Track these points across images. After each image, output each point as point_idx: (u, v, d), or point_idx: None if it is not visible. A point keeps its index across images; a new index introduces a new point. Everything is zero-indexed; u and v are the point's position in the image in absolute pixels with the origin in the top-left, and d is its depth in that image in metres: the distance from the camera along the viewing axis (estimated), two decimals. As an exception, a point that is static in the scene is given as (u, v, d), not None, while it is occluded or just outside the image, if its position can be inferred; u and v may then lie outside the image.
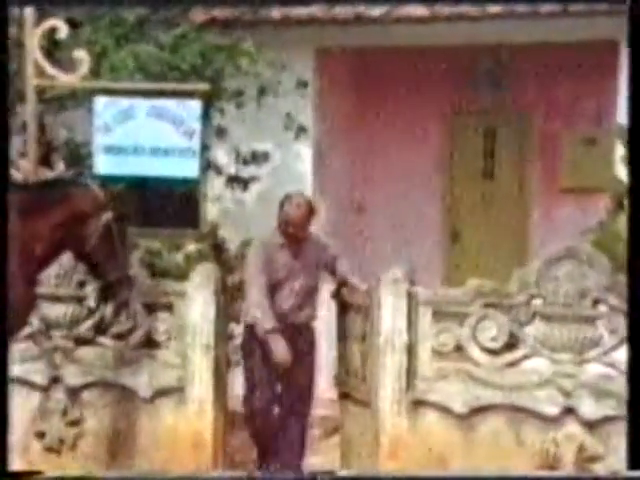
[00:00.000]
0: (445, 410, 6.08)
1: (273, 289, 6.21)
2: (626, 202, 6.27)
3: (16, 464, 6.32)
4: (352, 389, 6.46)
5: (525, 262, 7.25)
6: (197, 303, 6.39)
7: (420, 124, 10.18)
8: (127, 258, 5.93)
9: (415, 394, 6.13)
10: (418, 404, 6.12)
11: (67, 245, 5.82)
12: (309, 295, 6.36)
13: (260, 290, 6.13)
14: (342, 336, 6.53)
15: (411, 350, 6.12)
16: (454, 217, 10.38)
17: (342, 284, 6.46)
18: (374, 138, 10.29)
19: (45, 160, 7.66)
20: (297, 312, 6.30)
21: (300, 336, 6.29)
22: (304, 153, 9.45)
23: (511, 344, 6.07)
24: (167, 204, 9.15)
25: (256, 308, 6.12)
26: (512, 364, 6.06)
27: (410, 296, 6.15)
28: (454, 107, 10.17)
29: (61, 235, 5.71)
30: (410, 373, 6.12)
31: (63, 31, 6.66)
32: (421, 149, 10.22)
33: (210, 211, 9.39)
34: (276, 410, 6.29)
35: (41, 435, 6.50)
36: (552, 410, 5.90)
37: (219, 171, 8.82)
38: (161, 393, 6.38)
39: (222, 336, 6.48)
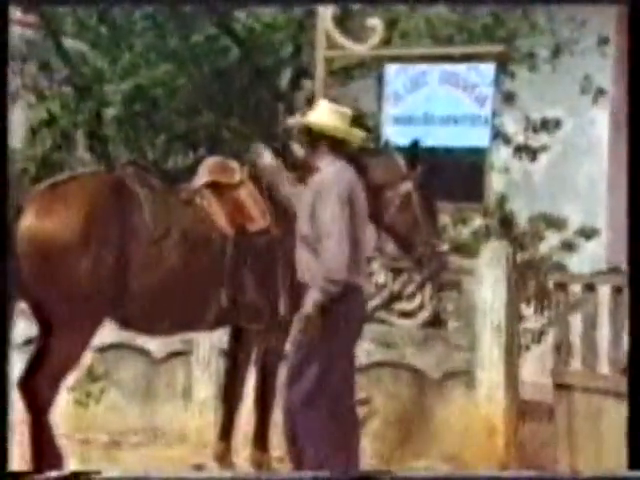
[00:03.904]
0: None
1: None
2: None
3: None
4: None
5: None
6: (488, 282, 6.44)
7: None
8: (434, 231, 5.82)
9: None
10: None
11: None
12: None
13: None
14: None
15: None
16: None
17: None
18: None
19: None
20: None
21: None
22: (600, 119, 9.32)
23: None
24: (452, 176, 9.32)
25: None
26: None
27: None
28: None
29: None
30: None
31: (356, -1, 6.93)
32: None
33: (496, 183, 9.46)
34: None
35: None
36: None
37: (507, 140, 8.87)
38: (450, 375, 6.52)
39: (513, 317, 6.51)
